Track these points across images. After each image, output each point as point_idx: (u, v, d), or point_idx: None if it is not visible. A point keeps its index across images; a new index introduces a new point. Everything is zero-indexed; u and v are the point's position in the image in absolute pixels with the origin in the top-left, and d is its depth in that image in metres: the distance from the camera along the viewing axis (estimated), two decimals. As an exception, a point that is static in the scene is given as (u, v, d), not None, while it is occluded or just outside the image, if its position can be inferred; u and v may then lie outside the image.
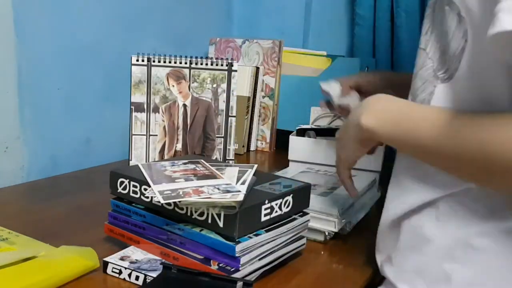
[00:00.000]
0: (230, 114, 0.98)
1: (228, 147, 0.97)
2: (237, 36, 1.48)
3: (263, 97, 1.41)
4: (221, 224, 0.59)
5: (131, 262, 0.63)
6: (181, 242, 0.62)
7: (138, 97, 0.89)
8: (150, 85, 0.90)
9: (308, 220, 0.71)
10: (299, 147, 1.07)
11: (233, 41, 1.45)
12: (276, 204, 0.64)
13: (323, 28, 1.57)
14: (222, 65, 0.97)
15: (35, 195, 0.95)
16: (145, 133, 0.90)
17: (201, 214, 0.61)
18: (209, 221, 0.60)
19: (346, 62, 1.38)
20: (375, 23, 1.46)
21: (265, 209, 0.62)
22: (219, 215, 0.59)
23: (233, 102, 0.98)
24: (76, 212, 0.85)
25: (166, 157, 0.91)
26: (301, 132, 1.10)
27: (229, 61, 0.98)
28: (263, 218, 0.62)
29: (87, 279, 0.62)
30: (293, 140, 1.08)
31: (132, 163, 0.88)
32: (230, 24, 1.69)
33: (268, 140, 1.40)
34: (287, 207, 0.67)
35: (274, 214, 0.64)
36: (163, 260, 0.63)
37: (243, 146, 1.36)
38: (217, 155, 0.96)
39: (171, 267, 0.58)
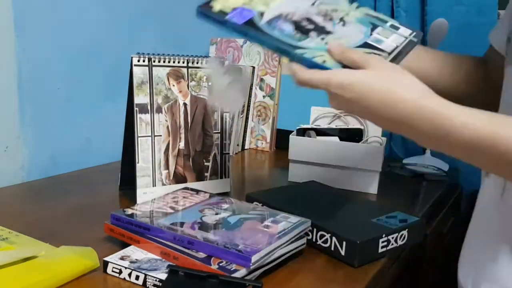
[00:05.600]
0: (224, 110, 1.00)
1: (224, 141, 0.98)
2: (237, 36, 1.48)
3: (264, 97, 1.41)
4: (343, 253, 0.69)
5: (131, 262, 0.63)
6: (189, 242, 0.63)
7: (142, 98, 0.89)
8: (152, 85, 0.90)
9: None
10: (299, 147, 1.07)
11: (234, 41, 1.45)
12: (392, 238, 0.72)
13: (323, 28, 1.57)
14: None
15: (35, 195, 0.95)
16: (150, 134, 0.90)
17: (325, 242, 0.71)
18: (332, 248, 0.70)
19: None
20: (375, 23, 1.46)
21: (382, 241, 0.70)
22: (341, 244, 0.68)
23: None
24: (76, 212, 0.85)
25: (170, 156, 0.91)
26: (301, 132, 1.09)
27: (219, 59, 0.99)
28: (380, 250, 0.71)
29: (87, 279, 0.62)
30: (293, 140, 1.08)
31: (139, 165, 0.88)
32: (230, 24, 1.68)
33: (268, 140, 1.40)
34: (403, 240, 0.74)
35: (390, 247, 0.72)
36: (170, 263, 0.62)
37: (237, 145, 1.36)
38: (215, 150, 0.97)
39: (178, 271, 0.57)
